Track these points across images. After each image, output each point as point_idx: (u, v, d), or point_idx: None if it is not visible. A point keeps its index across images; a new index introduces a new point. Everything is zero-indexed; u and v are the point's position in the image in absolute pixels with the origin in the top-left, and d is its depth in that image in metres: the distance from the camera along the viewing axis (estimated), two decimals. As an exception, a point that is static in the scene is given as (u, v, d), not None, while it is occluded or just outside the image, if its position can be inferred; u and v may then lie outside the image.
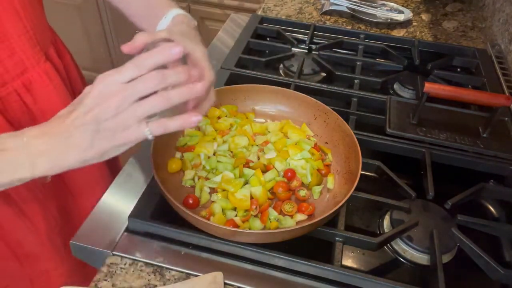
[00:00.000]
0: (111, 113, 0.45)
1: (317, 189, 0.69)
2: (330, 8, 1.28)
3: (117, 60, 2.37)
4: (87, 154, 0.47)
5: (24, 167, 0.47)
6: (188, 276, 0.60)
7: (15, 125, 0.67)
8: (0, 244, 0.71)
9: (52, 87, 0.71)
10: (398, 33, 1.23)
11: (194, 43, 0.57)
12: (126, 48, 0.51)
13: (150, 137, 0.47)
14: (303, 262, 0.60)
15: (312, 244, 0.64)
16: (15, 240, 0.72)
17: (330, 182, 0.71)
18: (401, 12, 1.29)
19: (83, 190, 0.81)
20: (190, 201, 0.66)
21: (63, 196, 0.79)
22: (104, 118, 0.45)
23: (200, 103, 0.57)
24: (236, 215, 0.64)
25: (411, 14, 1.28)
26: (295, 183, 0.70)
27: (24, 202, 0.70)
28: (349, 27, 1.23)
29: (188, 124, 0.48)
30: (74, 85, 0.82)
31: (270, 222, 0.64)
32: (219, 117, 0.80)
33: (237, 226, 0.62)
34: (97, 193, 0.71)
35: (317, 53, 1.07)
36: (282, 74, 1.03)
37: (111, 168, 0.86)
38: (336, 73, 0.98)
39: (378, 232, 0.69)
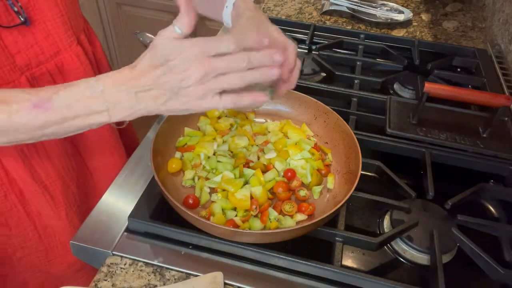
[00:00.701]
0: (194, 82, 0.47)
1: (317, 189, 0.69)
2: (330, 8, 1.28)
3: (117, 60, 2.38)
4: (158, 108, 0.50)
5: (102, 113, 0.50)
6: (188, 276, 0.60)
7: None
8: (22, 214, 0.74)
9: (82, 70, 0.73)
10: (398, 33, 1.23)
11: (264, 20, 0.61)
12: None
13: (221, 109, 0.50)
14: (303, 262, 0.60)
15: (312, 244, 0.64)
16: (36, 211, 0.75)
17: (330, 182, 0.71)
18: (401, 12, 1.30)
19: (101, 171, 0.84)
20: (190, 201, 0.66)
21: (83, 176, 0.81)
22: (186, 84, 0.48)
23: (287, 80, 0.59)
24: (236, 215, 0.64)
25: (411, 14, 1.28)
26: (295, 183, 0.70)
27: (48, 178, 0.73)
28: (349, 27, 1.23)
29: (257, 102, 0.51)
30: (101, 71, 0.84)
31: (270, 222, 0.64)
32: (219, 117, 0.80)
33: (237, 226, 0.62)
34: (113, 175, 0.74)
35: (317, 53, 1.07)
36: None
37: (128, 152, 0.88)
38: (336, 73, 0.98)
39: (378, 232, 0.69)
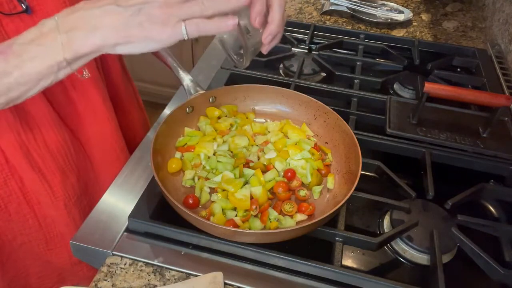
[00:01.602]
0: (158, 2, 0.45)
1: (317, 189, 0.69)
2: (330, 8, 1.28)
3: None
4: (116, 35, 0.47)
5: (58, 47, 0.47)
6: (188, 276, 0.60)
7: (47, 95, 0.69)
8: (22, 201, 0.74)
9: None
10: (398, 33, 1.23)
11: None
12: None
13: (185, 37, 0.47)
14: (303, 262, 0.60)
15: (312, 244, 0.64)
16: (36, 199, 0.75)
17: (330, 182, 0.71)
18: (401, 12, 1.30)
19: (103, 164, 0.84)
20: (190, 201, 0.66)
21: (84, 168, 0.81)
22: (149, 5, 0.45)
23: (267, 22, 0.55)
24: (236, 215, 0.64)
25: (411, 14, 1.28)
26: (295, 183, 0.70)
27: (47, 168, 0.73)
28: (349, 27, 1.23)
29: (224, 27, 0.47)
30: (105, 59, 0.83)
31: (270, 222, 0.64)
32: (219, 117, 0.80)
33: (237, 226, 0.62)
34: (115, 170, 0.73)
35: (317, 53, 1.07)
36: (282, 74, 1.03)
37: (130, 148, 0.89)
38: (336, 73, 0.98)
39: (378, 232, 0.69)
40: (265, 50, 0.58)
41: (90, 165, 0.83)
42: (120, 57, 0.90)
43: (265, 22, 0.54)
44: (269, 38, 0.55)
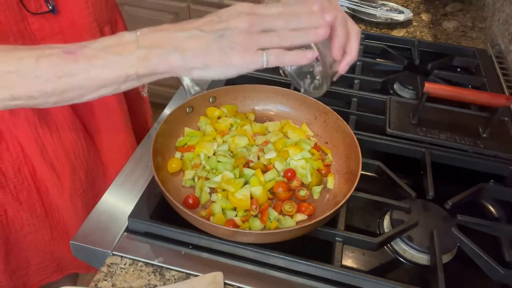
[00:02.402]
0: (240, 30, 0.46)
1: (317, 189, 0.69)
2: (330, 8, 1.28)
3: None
4: (197, 59, 0.46)
5: (132, 60, 0.46)
6: (188, 276, 0.60)
7: None
8: (32, 188, 0.76)
9: None
10: (398, 33, 1.23)
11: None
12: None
13: (265, 64, 0.47)
14: (303, 262, 0.60)
15: (312, 244, 0.64)
16: (44, 187, 0.77)
17: (330, 182, 0.71)
18: (401, 12, 1.30)
19: (112, 159, 0.86)
20: (190, 201, 0.66)
21: (93, 164, 0.83)
22: (232, 32, 0.46)
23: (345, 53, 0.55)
24: (236, 215, 0.64)
25: (411, 14, 1.28)
26: (295, 183, 0.70)
27: (58, 162, 0.75)
28: (349, 27, 1.23)
29: (303, 59, 0.48)
30: None
31: (270, 222, 0.64)
32: (219, 117, 0.80)
33: (237, 226, 0.62)
34: (123, 165, 0.74)
35: (317, 53, 1.07)
36: (282, 74, 1.02)
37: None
38: (336, 73, 0.98)
39: (378, 232, 0.69)
40: (336, 77, 0.59)
41: (99, 160, 0.85)
42: None
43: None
44: (346, 68, 0.56)
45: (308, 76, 0.57)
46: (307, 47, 0.51)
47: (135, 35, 0.47)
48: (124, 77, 0.47)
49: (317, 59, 0.54)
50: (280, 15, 0.47)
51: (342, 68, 0.55)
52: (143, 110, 1.00)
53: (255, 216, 0.64)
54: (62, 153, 0.75)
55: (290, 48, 0.48)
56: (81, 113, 0.77)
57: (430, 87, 0.79)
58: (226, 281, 0.59)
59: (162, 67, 0.47)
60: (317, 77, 0.57)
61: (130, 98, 0.90)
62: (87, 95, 0.49)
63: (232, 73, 0.48)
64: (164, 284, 0.59)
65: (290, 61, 0.48)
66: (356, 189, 0.63)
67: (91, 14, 0.70)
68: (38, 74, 0.46)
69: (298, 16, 0.47)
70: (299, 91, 0.81)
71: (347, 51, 0.54)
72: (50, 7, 0.63)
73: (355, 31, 0.55)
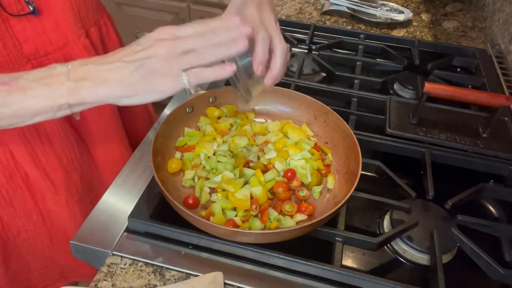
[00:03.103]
0: (159, 56, 0.48)
1: (317, 189, 0.69)
2: (330, 8, 1.28)
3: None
4: (122, 89, 0.49)
5: (63, 91, 0.50)
6: (188, 276, 0.60)
7: None
8: (27, 196, 0.75)
9: None
10: (398, 33, 1.23)
11: (261, 11, 0.59)
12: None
13: (186, 85, 0.49)
14: (303, 262, 0.60)
15: (312, 244, 0.64)
16: (40, 195, 0.76)
17: (330, 182, 0.71)
18: (401, 12, 1.30)
19: (107, 163, 0.85)
20: (190, 201, 0.66)
21: (87, 168, 0.82)
22: (151, 59, 0.48)
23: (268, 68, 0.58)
24: (236, 215, 0.64)
25: (411, 14, 1.28)
26: (295, 183, 0.70)
27: (49, 165, 0.74)
28: (349, 27, 1.23)
29: (222, 73, 0.50)
30: None
31: (270, 222, 0.64)
32: (219, 117, 0.80)
33: (237, 226, 0.62)
34: (119, 169, 0.74)
35: (317, 53, 1.07)
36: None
37: (134, 146, 0.89)
38: (336, 73, 0.98)
39: (378, 232, 0.69)
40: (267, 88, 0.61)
41: (94, 164, 0.84)
42: None
43: (267, 68, 0.57)
44: (270, 83, 0.58)
45: (241, 81, 0.59)
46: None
47: (66, 68, 0.50)
48: (56, 107, 0.51)
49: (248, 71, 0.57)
50: (199, 34, 0.49)
51: (267, 80, 0.58)
52: (145, 118, 0.99)
53: (255, 216, 0.64)
54: (54, 158, 0.74)
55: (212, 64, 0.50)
56: (72, 119, 0.76)
57: (430, 87, 0.79)
58: (226, 281, 0.59)
59: (90, 98, 0.50)
60: (247, 83, 0.60)
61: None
62: (23, 123, 0.53)
63: (158, 96, 0.51)
64: (164, 284, 0.59)
65: (210, 77, 0.50)
66: (356, 189, 0.63)
67: (75, 15, 0.70)
68: None
69: (216, 31, 0.49)
70: (299, 91, 0.81)
71: (270, 67, 0.57)
72: (31, 9, 0.63)
73: (279, 48, 0.57)
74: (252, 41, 0.55)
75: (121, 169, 0.74)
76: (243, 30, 0.49)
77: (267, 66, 0.57)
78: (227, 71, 0.50)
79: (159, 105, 0.98)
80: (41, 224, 0.79)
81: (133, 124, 0.94)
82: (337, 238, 0.63)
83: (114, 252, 0.62)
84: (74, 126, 0.77)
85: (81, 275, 0.90)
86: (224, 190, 0.67)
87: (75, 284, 1.00)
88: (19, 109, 0.51)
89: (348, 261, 0.64)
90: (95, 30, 0.77)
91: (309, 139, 0.77)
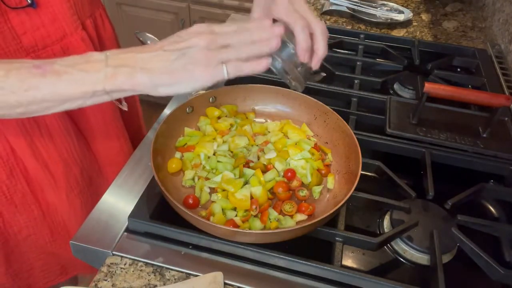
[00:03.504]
0: (200, 47, 0.49)
1: (317, 189, 0.69)
2: (330, 8, 1.28)
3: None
4: (162, 76, 0.50)
5: (99, 77, 0.49)
6: (188, 276, 0.60)
7: None
8: (27, 190, 0.75)
9: None
10: (398, 33, 1.23)
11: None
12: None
13: (226, 76, 0.51)
14: (303, 262, 0.60)
15: (312, 244, 0.64)
16: (40, 189, 0.77)
17: (330, 182, 0.71)
18: (401, 12, 1.30)
19: (107, 157, 0.86)
20: (190, 201, 0.66)
21: (87, 161, 0.82)
22: (193, 48, 0.49)
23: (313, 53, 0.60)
24: (236, 215, 0.64)
25: (411, 14, 1.28)
26: (295, 183, 0.70)
27: (50, 158, 0.74)
28: (349, 27, 1.23)
29: (258, 67, 0.52)
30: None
31: (270, 222, 0.64)
32: (219, 117, 0.80)
33: (237, 226, 0.62)
34: (119, 161, 0.75)
35: (317, 53, 1.07)
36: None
37: (135, 144, 0.90)
38: (336, 73, 0.98)
39: (378, 232, 0.69)
40: (313, 70, 0.64)
41: (94, 157, 0.84)
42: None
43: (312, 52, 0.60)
44: (318, 65, 0.61)
45: (290, 74, 0.62)
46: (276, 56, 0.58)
47: (104, 55, 0.50)
48: (91, 93, 0.50)
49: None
50: (235, 32, 0.51)
51: (314, 64, 0.60)
52: (136, 110, 1.00)
53: (255, 216, 0.64)
54: (54, 151, 0.74)
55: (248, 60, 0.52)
56: (71, 112, 0.76)
57: (430, 87, 0.79)
58: (226, 281, 0.59)
59: (128, 85, 0.50)
60: (296, 73, 0.62)
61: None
62: (52, 108, 0.52)
63: (196, 86, 0.51)
64: (164, 284, 0.59)
65: (248, 70, 0.52)
66: (356, 189, 0.63)
67: (71, 7, 0.70)
68: (4, 86, 0.49)
69: (250, 31, 0.52)
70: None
71: (315, 50, 0.60)
72: (29, 1, 0.63)
73: (319, 29, 0.60)
74: (290, 31, 0.58)
75: (121, 161, 0.74)
76: (275, 30, 0.52)
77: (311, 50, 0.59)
78: (262, 64, 0.52)
79: (159, 105, 0.98)
80: (42, 219, 0.79)
81: (130, 117, 0.94)
82: (337, 238, 0.63)
83: (114, 252, 0.62)
84: (74, 119, 0.77)
85: (82, 268, 0.90)
86: (224, 190, 0.67)
87: (75, 278, 1.01)
88: (50, 94, 0.50)
89: (348, 261, 0.64)
90: (90, 21, 0.78)
91: (309, 139, 0.77)
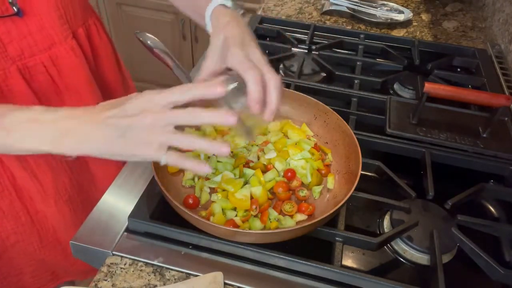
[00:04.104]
0: (143, 127, 0.48)
1: (317, 189, 0.69)
2: (330, 8, 1.28)
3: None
4: (104, 149, 0.50)
5: (46, 140, 0.50)
6: (188, 276, 0.60)
7: (40, 95, 0.71)
8: (14, 197, 0.75)
9: (78, 63, 0.74)
10: (398, 33, 1.23)
11: (246, 49, 0.58)
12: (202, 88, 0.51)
13: (162, 162, 0.50)
14: (303, 262, 0.60)
15: (312, 244, 0.64)
16: (28, 196, 0.76)
17: (330, 182, 0.71)
18: (401, 12, 1.30)
19: (98, 163, 0.85)
20: (190, 201, 0.66)
21: (77, 169, 0.82)
22: (135, 128, 0.48)
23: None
24: (236, 215, 0.64)
25: (411, 14, 1.28)
26: (295, 183, 0.70)
27: (37, 165, 0.74)
28: (349, 27, 1.23)
29: (198, 169, 0.50)
30: (100, 66, 0.84)
31: (270, 222, 0.64)
32: (219, 117, 0.80)
33: (237, 226, 0.62)
34: (111, 168, 0.74)
35: (317, 53, 1.07)
36: (282, 74, 1.03)
37: None
38: (336, 73, 0.98)
39: (378, 232, 0.69)
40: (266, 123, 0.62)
41: (85, 164, 0.84)
42: (117, 60, 0.90)
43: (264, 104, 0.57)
44: (271, 117, 0.58)
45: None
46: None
47: (54, 115, 0.51)
48: (37, 151, 0.51)
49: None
50: (184, 112, 0.48)
51: (266, 116, 0.57)
52: None
53: (255, 216, 0.64)
54: (42, 160, 0.74)
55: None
56: None
57: (430, 87, 0.79)
58: (226, 281, 0.59)
59: (72, 153, 0.51)
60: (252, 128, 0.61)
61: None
62: (9, 153, 0.55)
63: (134, 160, 0.52)
64: (164, 284, 0.59)
65: (189, 166, 0.51)
66: (356, 189, 0.63)
67: (61, 16, 0.69)
68: None
69: (200, 113, 0.48)
70: (299, 91, 0.81)
71: (267, 102, 0.57)
72: (15, 10, 0.62)
73: (272, 82, 0.56)
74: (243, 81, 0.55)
75: (113, 168, 0.73)
76: (230, 118, 0.48)
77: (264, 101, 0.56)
78: (202, 169, 0.50)
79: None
80: (30, 225, 0.79)
81: None
82: (337, 238, 0.63)
83: (114, 252, 0.62)
84: None
85: (74, 273, 0.90)
86: (224, 190, 0.67)
87: (72, 283, 1.00)
88: (2, 145, 0.52)
89: (348, 261, 0.64)
90: (82, 30, 0.77)
91: (309, 139, 0.77)
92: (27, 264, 0.84)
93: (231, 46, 0.58)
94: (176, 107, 0.49)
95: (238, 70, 0.56)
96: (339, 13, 1.29)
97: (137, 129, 0.48)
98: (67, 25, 0.71)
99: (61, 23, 0.69)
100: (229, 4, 0.64)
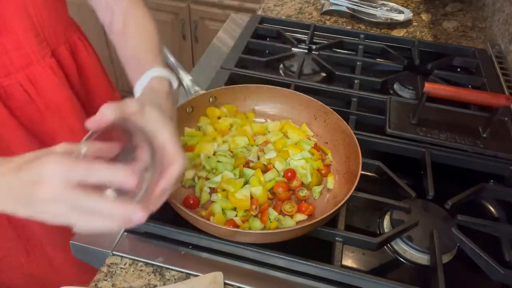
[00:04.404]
0: (49, 214, 0.44)
1: (317, 189, 0.69)
2: (330, 8, 1.28)
3: (116, 60, 2.37)
4: (13, 209, 0.46)
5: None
6: (188, 276, 0.60)
7: (18, 114, 0.70)
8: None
9: (57, 82, 0.73)
10: (398, 33, 1.23)
11: (163, 122, 0.50)
12: (92, 124, 0.46)
13: (75, 230, 0.44)
14: (303, 262, 0.60)
15: (312, 244, 0.64)
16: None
17: (330, 182, 0.71)
18: (401, 12, 1.30)
19: None
20: (190, 201, 0.66)
21: None
22: (36, 198, 0.42)
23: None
24: (236, 215, 0.64)
25: (411, 14, 1.28)
26: (295, 183, 0.70)
27: None
28: (349, 27, 1.23)
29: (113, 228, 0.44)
30: (89, 85, 0.83)
31: (270, 222, 0.64)
32: (219, 117, 0.80)
33: (237, 226, 0.62)
34: None
35: (317, 53, 1.07)
36: (282, 74, 1.03)
37: None
38: (336, 73, 0.98)
39: (378, 232, 0.69)
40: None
41: None
42: (102, 70, 0.88)
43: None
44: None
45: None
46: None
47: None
48: None
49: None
50: (88, 196, 0.42)
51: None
52: None
53: (255, 216, 0.64)
54: None
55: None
56: (37, 132, 0.74)
57: (430, 87, 0.79)
58: (226, 281, 0.59)
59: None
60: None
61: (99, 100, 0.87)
62: None
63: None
64: (164, 284, 0.59)
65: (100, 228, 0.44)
66: (356, 189, 0.63)
67: (38, 34, 0.68)
68: None
69: (98, 169, 0.42)
70: (299, 91, 0.81)
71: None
72: None
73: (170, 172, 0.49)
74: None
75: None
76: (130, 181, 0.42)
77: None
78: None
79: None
80: (17, 241, 0.77)
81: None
82: (337, 238, 0.63)
83: (114, 252, 0.62)
84: (39, 137, 0.74)
85: (64, 282, 0.89)
86: (224, 190, 0.67)
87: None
88: None
89: (348, 261, 0.64)
90: (66, 47, 0.75)
91: (309, 139, 0.77)
92: (15, 277, 0.83)
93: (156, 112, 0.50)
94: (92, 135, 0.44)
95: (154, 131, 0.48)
96: (339, 13, 1.29)
97: (39, 200, 0.42)
98: (45, 43, 0.70)
99: (38, 41, 0.68)
100: (164, 74, 0.59)
